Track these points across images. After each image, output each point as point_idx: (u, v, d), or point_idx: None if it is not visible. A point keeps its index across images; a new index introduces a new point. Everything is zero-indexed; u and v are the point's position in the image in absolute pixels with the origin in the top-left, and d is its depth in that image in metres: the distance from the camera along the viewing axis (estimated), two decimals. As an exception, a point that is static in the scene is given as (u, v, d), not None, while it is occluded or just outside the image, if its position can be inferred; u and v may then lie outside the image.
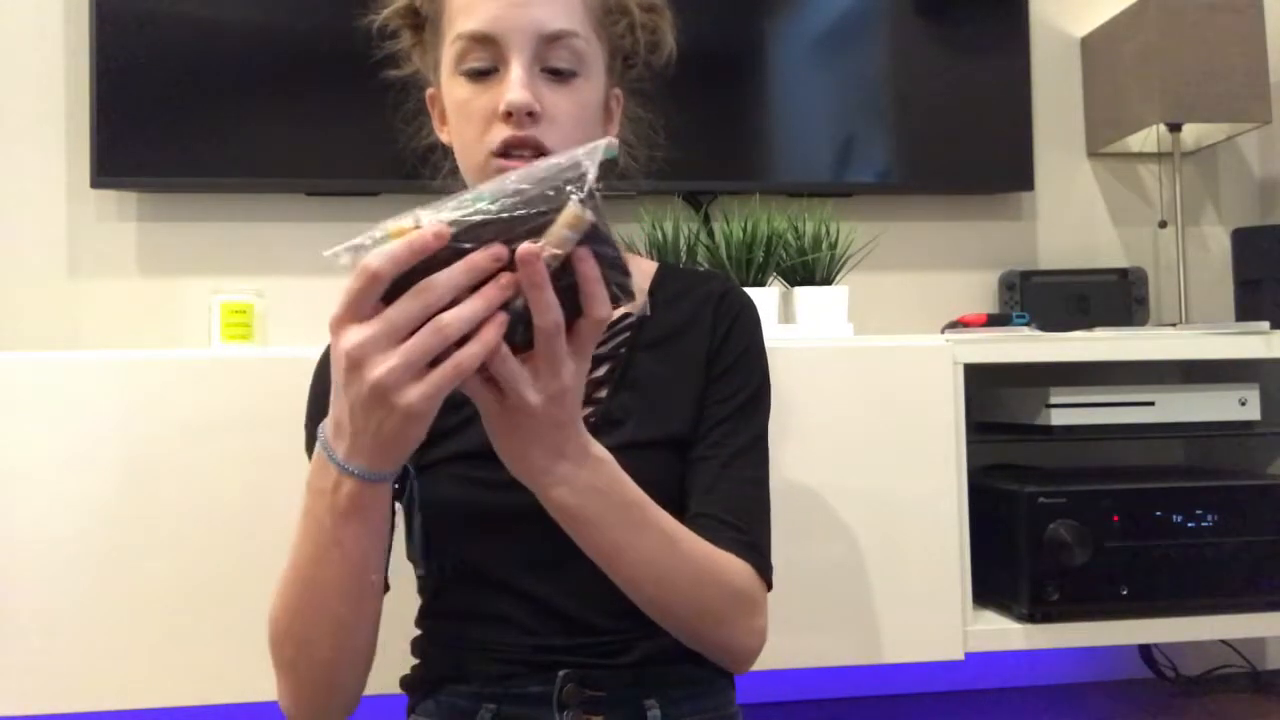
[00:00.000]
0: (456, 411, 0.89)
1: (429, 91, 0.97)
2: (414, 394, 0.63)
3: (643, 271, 0.99)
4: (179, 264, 1.75)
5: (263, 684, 1.27)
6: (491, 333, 0.62)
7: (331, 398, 0.68)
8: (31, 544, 1.25)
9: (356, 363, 0.63)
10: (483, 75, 0.86)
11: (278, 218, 1.76)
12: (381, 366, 0.62)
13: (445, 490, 0.88)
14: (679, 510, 0.91)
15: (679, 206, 1.80)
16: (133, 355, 1.31)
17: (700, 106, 1.77)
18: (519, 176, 0.62)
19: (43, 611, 1.25)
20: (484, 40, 0.85)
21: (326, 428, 0.70)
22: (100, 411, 1.28)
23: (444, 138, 0.96)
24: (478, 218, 0.61)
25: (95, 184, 1.66)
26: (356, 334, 0.63)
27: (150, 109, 1.66)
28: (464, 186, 0.96)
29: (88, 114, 1.66)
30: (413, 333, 0.62)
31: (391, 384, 0.62)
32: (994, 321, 1.63)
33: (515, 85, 0.84)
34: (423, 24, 0.93)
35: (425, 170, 1.03)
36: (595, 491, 0.75)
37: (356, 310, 0.63)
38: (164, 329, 1.74)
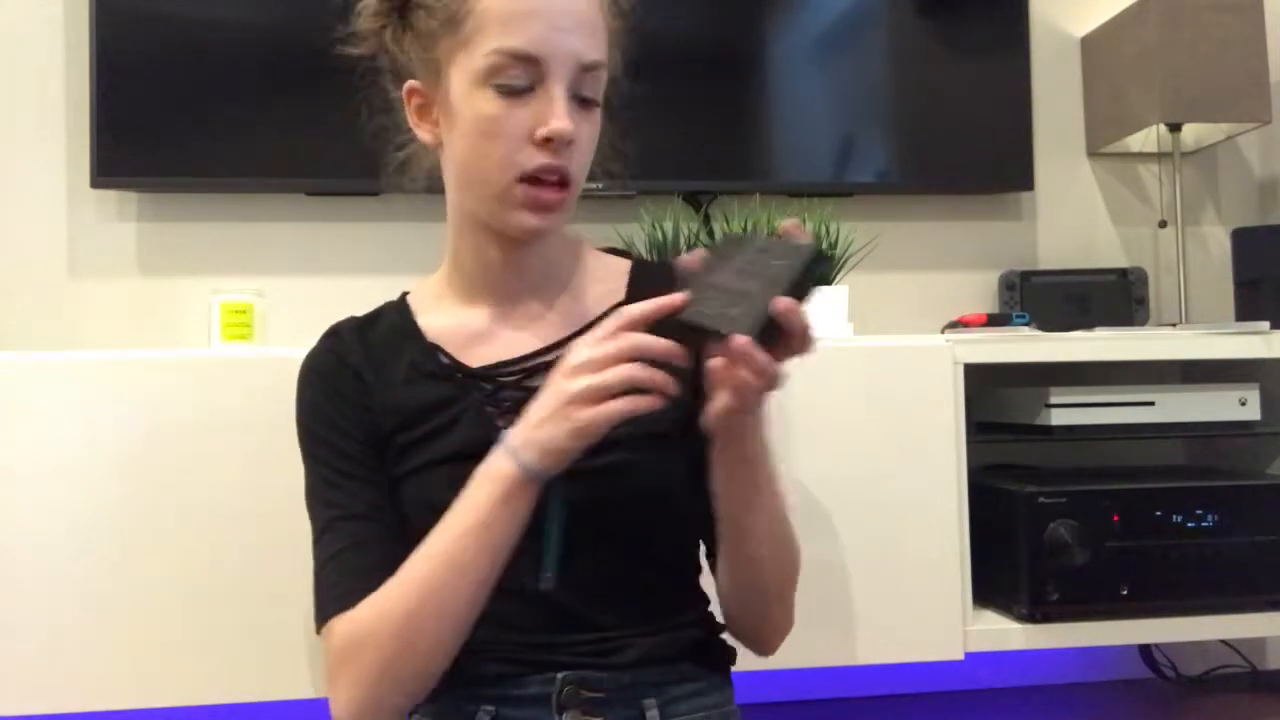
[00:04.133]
0: (444, 412, 0.89)
1: (408, 85, 0.93)
2: (586, 414, 0.76)
3: (616, 269, 0.98)
4: (179, 264, 1.75)
5: (263, 684, 1.28)
6: (649, 402, 0.76)
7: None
8: (31, 544, 1.25)
9: (567, 373, 0.78)
10: (518, 93, 0.85)
11: (278, 218, 1.76)
12: (577, 384, 0.76)
13: (438, 492, 0.87)
14: (674, 508, 0.91)
15: (679, 206, 1.80)
16: (133, 355, 1.31)
17: (700, 106, 1.77)
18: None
19: (43, 611, 1.25)
20: (526, 60, 0.84)
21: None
22: (100, 411, 1.28)
23: (425, 137, 0.93)
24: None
25: (95, 184, 1.66)
26: (582, 353, 0.77)
27: (150, 109, 1.66)
28: (441, 190, 0.94)
29: (88, 114, 1.65)
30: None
31: (575, 399, 0.76)
32: (994, 321, 1.63)
33: (562, 113, 0.85)
34: (410, 9, 0.90)
35: (366, 167, 1.00)
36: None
37: (603, 337, 0.77)
38: (164, 329, 1.73)
